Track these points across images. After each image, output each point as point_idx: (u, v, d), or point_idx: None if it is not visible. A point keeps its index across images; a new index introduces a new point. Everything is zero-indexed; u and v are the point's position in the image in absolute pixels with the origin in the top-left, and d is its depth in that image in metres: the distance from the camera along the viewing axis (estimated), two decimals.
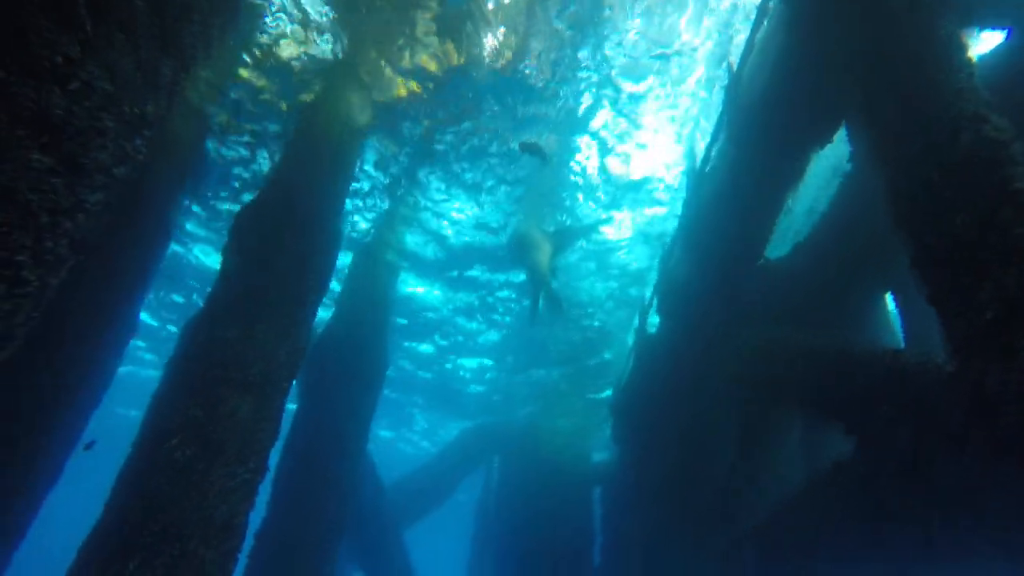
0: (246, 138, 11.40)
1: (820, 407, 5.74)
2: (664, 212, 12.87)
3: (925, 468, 4.47)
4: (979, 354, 3.50)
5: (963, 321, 3.61)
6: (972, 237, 3.72)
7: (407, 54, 9.83)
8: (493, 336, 18.32)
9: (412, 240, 13.79)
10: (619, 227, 13.42)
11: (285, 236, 8.09)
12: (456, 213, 12.96)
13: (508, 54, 9.69)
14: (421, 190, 12.29)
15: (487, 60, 9.79)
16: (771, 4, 6.97)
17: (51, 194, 3.55)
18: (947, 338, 3.77)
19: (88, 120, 3.83)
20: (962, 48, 4.67)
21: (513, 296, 16.28)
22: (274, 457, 8.31)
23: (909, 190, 4.23)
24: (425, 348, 19.20)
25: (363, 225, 13.33)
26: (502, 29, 9.41)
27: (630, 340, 14.86)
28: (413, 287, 15.80)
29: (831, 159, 8.61)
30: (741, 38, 9.35)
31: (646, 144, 11.22)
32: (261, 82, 10.23)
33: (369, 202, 12.68)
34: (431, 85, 10.24)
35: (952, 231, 3.84)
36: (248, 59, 9.85)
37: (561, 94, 10.37)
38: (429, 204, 12.60)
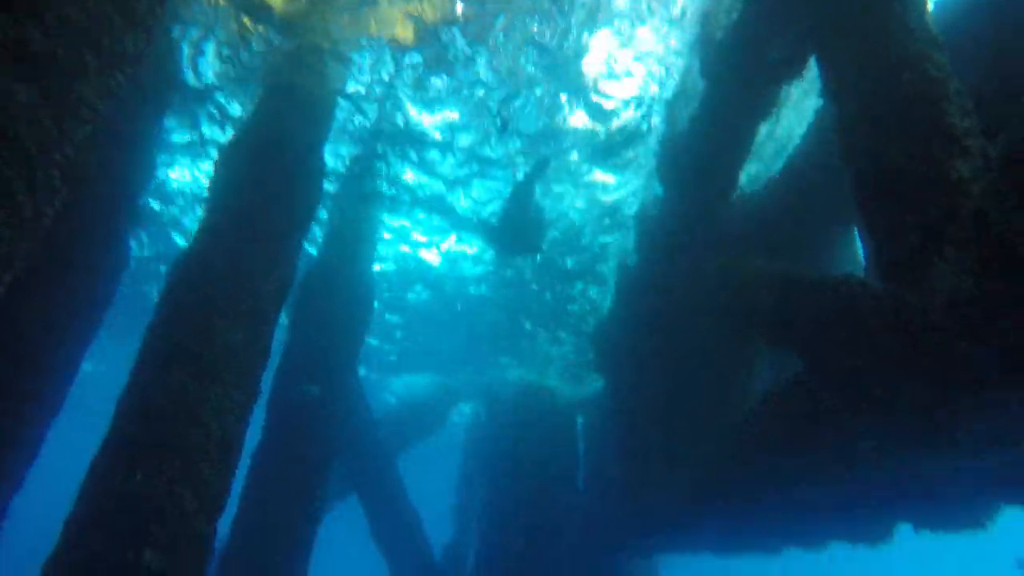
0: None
1: (774, 330, 6.15)
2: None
3: (863, 385, 4.89)
4: (901, 277, 3.85)
5: (890, 247, 3.95)
6: (905, 168, 4.01)
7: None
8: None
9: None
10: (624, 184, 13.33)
11: (268, 169, 8.24)
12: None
13: None
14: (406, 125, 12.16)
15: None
16: None
17: (39, 127, 3.74)
18: (875, 263, 4.12)
19: (69, 55, 3.98)
20: None
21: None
22: (267, 384, 8.77)
23: (855, 122, 4.47)
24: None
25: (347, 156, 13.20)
26: None
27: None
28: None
29: None
30: None
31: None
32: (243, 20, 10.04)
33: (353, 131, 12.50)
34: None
35: (888, 162, 4.12)
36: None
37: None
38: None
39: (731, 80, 6.87)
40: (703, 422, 10.22)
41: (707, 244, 9.42)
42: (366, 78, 11.04)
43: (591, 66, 10.79)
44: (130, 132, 8.69)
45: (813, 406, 5.45)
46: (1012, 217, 2.96)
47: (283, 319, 9.35)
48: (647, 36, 10.24)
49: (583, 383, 19.60)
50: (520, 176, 11.57)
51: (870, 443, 4.95)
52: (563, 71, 10.89)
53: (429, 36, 10.23)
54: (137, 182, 9.57)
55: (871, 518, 7.50)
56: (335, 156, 12.76)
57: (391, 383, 23.64)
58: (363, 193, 13.22)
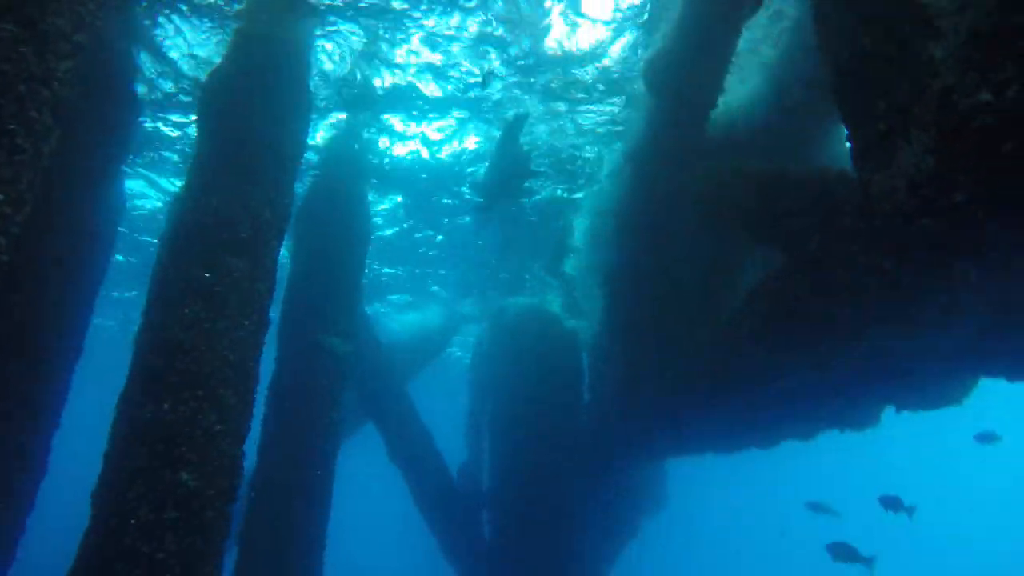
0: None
1: (756, 225, 6.33)
2: None
3: (840, 270, 5.12)
4: (871, 162, 3.99)
5: (862, 132, 4.07)
6: (876, 52, 4.06)
7: None
8: None
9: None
10: None
11: (257, 98, 8.24)
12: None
13: None
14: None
15: None
16: None
17: (22, 63, 3.81)
18: (851, 150, 4.25)
19: None
20: None
21: None
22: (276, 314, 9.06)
23: (830, 10, 4.48)
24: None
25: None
26: None
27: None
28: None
29: None
30: None
31: None
32: None
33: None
34: None
35: (860, 47, 4.17)
36: None
37: None
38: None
39: None
40: (696, 323, 10.58)
41: (695, 153, 9.46)
42: None
43: None
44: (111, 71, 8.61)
45: (795, 296, 5.71)
46: (972, 92, 3.08)
47: (284, 257, 9.51)
48: None
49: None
50: (500, 132, 11.99)
51: (847, 328, 5.22)
52: None
53: None
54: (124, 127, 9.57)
55: (858, 403, 7.93)
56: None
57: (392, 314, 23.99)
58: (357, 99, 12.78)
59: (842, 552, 11.07)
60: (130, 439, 6.97)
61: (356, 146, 12.57)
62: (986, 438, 15.19)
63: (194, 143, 8.77)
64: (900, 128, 3.83)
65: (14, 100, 3.71)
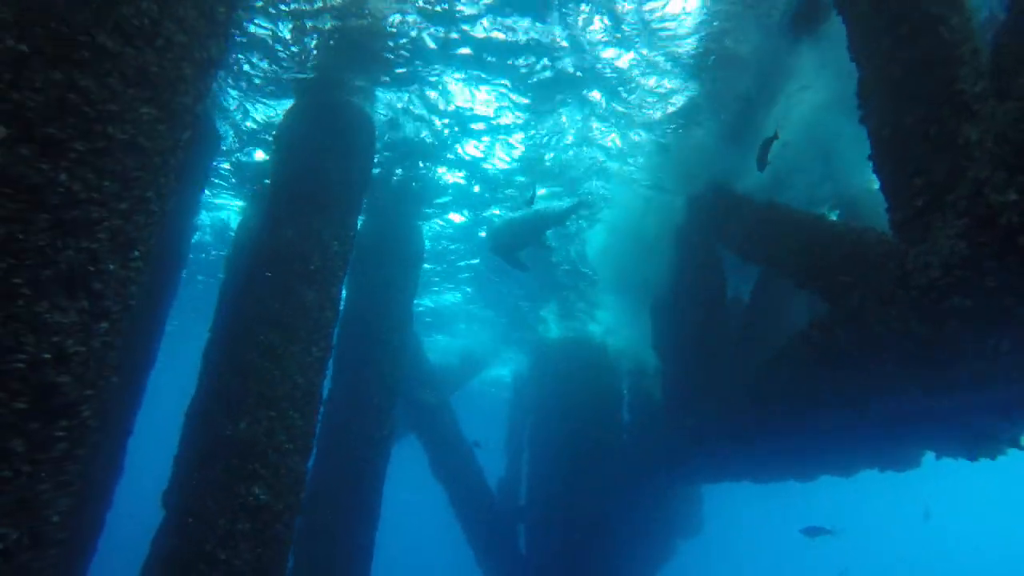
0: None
1: (800, 272, 6.61)
2: None
3: (875, 325, 5.39)
4: (908, 235, 4.30)
5: (899, 206, 4.38)
6: (916, 131, 4.38)
7: None
8: None
9: None
10: None
11: (327, 138, 8.88)
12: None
13: None
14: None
15: None
16: None
17: (159, 139, 4.44)
18: (890, 220, 4.55)
19: (174, 71, 4.63)
20: None
21: None
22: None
23: (874, 84, 4.81)
24: None
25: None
26: None
27: None
28: None
29: None
30: None
31: None
32: None
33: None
34: None
35: (902, 126, 4.49)
36: None
37: None
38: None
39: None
40: (742, 358, 10.79)
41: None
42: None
43: None
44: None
45: (834, 345, 5.98)
46: (1002, 189, 3.39)
47: None
48: None
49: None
50: (560, 202, 12.15)
51: (883, 382, 5.48)
52: None
53: None
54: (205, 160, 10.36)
55: (898, 446, 8.05)
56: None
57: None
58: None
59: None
60: (207, 452, 7.61)
61: (414, 183, 13.14)
62: None
63: (269, 177, 9.46)
64: (936, 207, 4.14)
65: (151, 171, 4.33)
